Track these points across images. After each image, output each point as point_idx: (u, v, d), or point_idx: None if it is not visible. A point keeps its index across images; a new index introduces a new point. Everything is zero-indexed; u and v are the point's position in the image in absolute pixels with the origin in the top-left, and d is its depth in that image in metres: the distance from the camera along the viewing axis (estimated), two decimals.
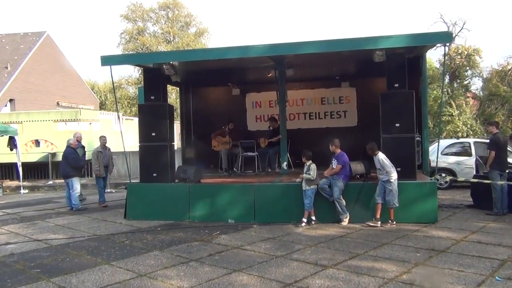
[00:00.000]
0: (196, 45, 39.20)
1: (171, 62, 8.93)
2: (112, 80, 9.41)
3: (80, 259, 6.08)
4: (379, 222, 7.70)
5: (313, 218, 8.02)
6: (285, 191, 8.48)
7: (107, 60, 8.61)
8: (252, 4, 75.94)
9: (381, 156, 7.79)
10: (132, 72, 41.96)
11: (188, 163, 12.35)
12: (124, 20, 41.42)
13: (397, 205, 7.68)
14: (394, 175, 7.66)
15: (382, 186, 7.75)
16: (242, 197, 8.56)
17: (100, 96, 40.45)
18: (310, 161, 8.07)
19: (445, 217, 8.44)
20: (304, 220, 7.93)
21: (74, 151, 10.63)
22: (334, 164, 8.03)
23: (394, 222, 7.73)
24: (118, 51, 39.78)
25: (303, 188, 8.01)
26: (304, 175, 8.00)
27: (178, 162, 13.99)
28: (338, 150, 8.12)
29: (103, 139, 11.40)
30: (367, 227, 7.65)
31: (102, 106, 38.43)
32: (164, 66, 8.87)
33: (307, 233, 7.40)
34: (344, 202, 7.97)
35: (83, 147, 12.15)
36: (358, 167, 8.63)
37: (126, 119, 21.91)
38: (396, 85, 8.22)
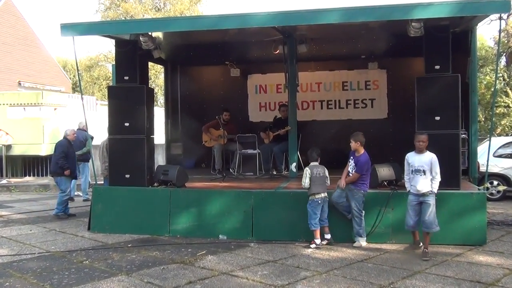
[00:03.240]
0: (192, 13, 38.92)
1: (149, 33, 8.65)
2: (75, 55, 9.18)
3: (23, 284, 5.83)
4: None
5: (327, 236, 7.70)
6: (291, 201, 8.21)
7: (69, 29, 8.32)
8: None
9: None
10: (112, 46, 41.78)
11: (174, 161, 12.20)
12: None
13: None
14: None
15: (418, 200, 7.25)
16: (238, 207, 8.34)
17: (74, 76, 40.40)
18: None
19: (496, 238, 8.12)
20: (317, 241, 7.56)
21: (67, 144, 10.40)
22: (352, 166, 7.64)
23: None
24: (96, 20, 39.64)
25: None
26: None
27: (161, 160, 13.96)
28: (362, 150, 7.70)
29: None
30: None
31: (75, 88, 38.37)
32: (140, 38, 8.60)
33: (318, 255, 7.12)
34: (363, 222, 7.59)
35: (92, 137, 12.18)
36: (385, 171, 8.29)
37: (101, 104, 21.69)
38: (437, 67, 7.96)
